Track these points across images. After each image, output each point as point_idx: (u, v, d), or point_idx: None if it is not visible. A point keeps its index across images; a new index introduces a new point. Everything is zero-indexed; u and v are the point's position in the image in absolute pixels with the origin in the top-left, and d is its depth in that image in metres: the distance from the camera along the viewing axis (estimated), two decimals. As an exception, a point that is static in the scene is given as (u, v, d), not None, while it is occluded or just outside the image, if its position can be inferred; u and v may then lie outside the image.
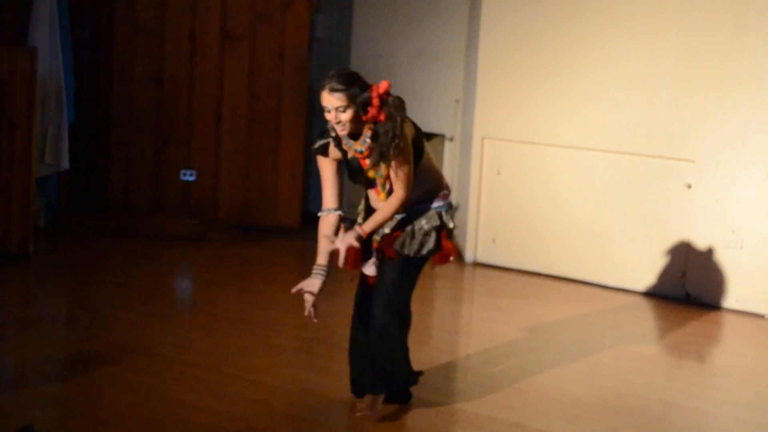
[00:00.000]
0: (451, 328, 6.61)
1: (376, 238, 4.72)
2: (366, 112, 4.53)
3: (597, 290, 7.40)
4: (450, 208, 4.80)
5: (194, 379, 5.19)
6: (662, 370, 6.02)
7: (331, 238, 4.66)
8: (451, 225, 4.78)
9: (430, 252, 4.73)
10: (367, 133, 4.55)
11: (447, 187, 4.83)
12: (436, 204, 4.76)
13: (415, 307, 4.81)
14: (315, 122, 8.33)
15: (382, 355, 4.73)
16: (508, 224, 7.79)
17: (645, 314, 6.99)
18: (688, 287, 7.16)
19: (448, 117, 8.41)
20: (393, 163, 4.55)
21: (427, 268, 4.80)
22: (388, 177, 4.61)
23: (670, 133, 7.18)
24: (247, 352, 5.65)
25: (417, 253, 4.72)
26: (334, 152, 4.70)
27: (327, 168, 4.74)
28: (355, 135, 4.58)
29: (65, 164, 7.86)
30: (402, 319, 4.76)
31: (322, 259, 4.71)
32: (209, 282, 7.30)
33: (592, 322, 6.71)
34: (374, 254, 4.73)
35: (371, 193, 4.74)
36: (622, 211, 7.38)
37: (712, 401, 5.45)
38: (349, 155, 4.66)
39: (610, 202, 7.42)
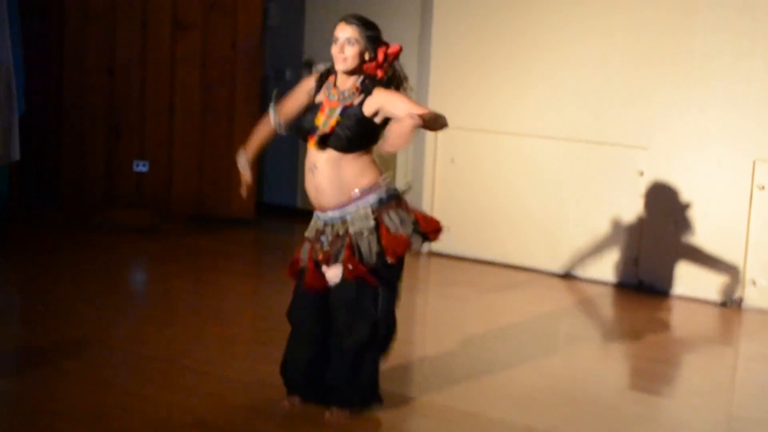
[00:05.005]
0: (407, 318, 6.59)
1: (325, 240, 4.57)
2: (370, 60, 4.50)
3: (551, 279, 7.43)
4: (387, 199, 4.56)
5: (148, 372, 5.16)
6: (616, 357, 6.05)
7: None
8: (372, 223, 4.51)
9: (379, 253, 4.53)
10: (352, 89, 4.51)
11: (382, 175, 4.58)
12: (368, 199, 4.54)
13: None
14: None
15: (362, 374, 4.65)
16: (462, 213, 7.80)
17: (599, 302, 7.03)
18: (641, 274, 7.21)
19: (402, 106, 8.39)
20: (391, 99, 4.45)
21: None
22: (327, 131, 4.49)
23: (622, 121, 7.22)
24: (202, 343, 5.62)
25: (368, 260, 4.52)
26: (310, 85, 4.65)
27: (296, 96, 4.70)
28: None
29: (16, 156, 7.77)
30: (377, 335, 4.64)
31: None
32: (164, 273, 7.26)
33: (546, 311, 6.75)
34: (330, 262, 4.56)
35: (309, 149, 4.57)
36: (575, 199, 7.41)
37: (666, 388, 5.50)
38: (318, 99, 4.58)
39: (564, 191, 7.45)
